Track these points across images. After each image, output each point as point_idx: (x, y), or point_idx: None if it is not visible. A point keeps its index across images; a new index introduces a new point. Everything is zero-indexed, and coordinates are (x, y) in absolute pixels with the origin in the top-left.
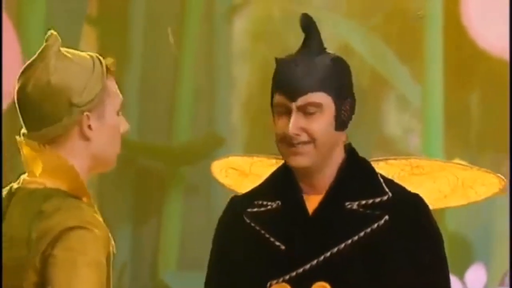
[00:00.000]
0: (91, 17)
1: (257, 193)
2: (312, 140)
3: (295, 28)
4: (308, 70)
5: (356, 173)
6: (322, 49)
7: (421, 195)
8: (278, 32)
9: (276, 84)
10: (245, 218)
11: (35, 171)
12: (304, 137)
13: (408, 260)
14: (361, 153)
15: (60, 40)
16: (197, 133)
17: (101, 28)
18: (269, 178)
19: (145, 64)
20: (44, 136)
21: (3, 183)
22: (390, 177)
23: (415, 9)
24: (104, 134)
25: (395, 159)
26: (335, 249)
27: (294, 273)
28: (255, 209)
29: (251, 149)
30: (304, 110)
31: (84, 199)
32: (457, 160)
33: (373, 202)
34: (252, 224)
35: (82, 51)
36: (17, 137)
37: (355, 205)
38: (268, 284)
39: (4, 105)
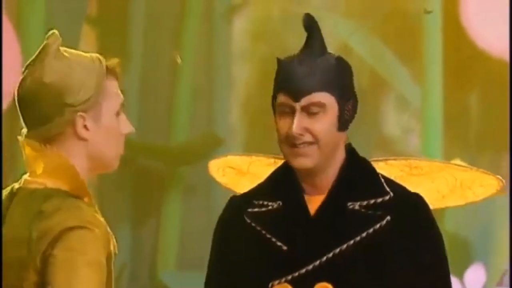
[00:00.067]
0: (90, 17)
1: (257, 193)
2: (316, 141)
3: (295, 28)
4: (312, 70)
5: (357, 173)
6: (324, 50)
7: None
8: (278, 32)
9: (279, 84)
10: (246, 218)
11: (36, 171)
12: (307, 138)
13: (409, 260)
14: (361, 153)
15: (60, 39)
16: (196, 133)
17: (100, 28)
18: (269, 178)
19: (145, 64)
20: (40, 135)
21: (3, 183)
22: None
23: (414, 9)
24: (101, 135)
25: (394, 159)
26: (338, 250)
27: (296, 274)
28: (256, 209)
29: (250, 149)
30: (308, 110)
31: (86, 199)
32: (456, 161)
33: (375, 202)
34: (253, 224)
35: (81, 51)
36: (19, 137)
37: (357, 206)
38: (270, 285)
39: (4, 105)
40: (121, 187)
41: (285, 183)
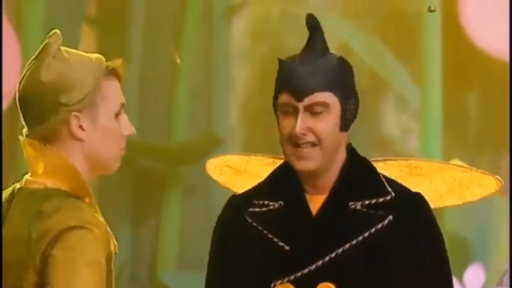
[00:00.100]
0: (90, 17)
1: (258, 193)
2: (318, 141)
3: (294, 28)
4: (315, 70)
5: (359, 173)
6: (326, 50)
7: None
8: (277, 32)
9: (281, 84)
10: (247, 218)
11: (37, 170)
12: (310, 137)
13: (411, 260)
14: (360, 153)
15: (61, 39)
16: (195, 133)
17: (100, 29)
18: (270, 177)
19: (144, 64)
20: (39, 134)
21: (3, 183)
22: None
23: (414, 10)
24: (98, 136)
25: (394, 160)
26: (340, 250)
27: (299, 274)
28: (257, 209)
29: (249, 149)
30: (311, 110)
31: (87, 199)
32: (456, 161)
33: (376, 202)
34: (254, 224)
35: (81, 51)
36: (20, 137)
37: (358, 205)
38: (272, 285)
39: (4, 105)
40: (121, 187)
41: (286, 182)
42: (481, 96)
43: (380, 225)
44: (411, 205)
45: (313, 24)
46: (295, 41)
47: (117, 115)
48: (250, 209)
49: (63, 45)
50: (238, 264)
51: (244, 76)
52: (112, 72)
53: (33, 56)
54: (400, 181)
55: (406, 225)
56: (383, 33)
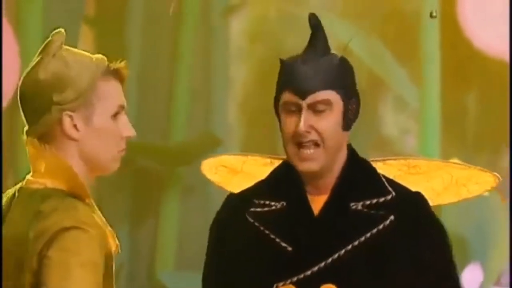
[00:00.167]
0: (88, 17)
1: (258, 192)
2: (321, 140)
3: (292, 29)
4: (317, 68)
5: (359, 173)
6: (327, 50)
7: None
8: (275, 32)
9: (284, 83)
10: (248, 218)
11: (38, 170)
12: (313, 136)
13: (411, 259)
14: (359, 153)
15: (63, 38)
16: (194, 133)
17: (98, 28)
18: (270, 177)
19: (143, 64)
20: (35, 133)
21: (3, 183)
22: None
23: (413, 10)
24: (93, 136)
25: (394, 159)
26: (343, 251)
27: (301, 275)
28: (259, 209)
29: (247, 150)
30: (314, 108)
31: (87, 200)
32: (454, 161)
33: (377, 202)
34: (256, 224)
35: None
36: (24, 136)
37: (359, 206)
38: (275, 286)
39: (4, 105)
40: (119, 187)
41: (287, 183)
42: (479, 96)
43: (381, 226)
44: (411, 204)
45: (315, 24)
46: (294, 41)
47: (115, 116)
48: (252, 209)
49: None
50: (236, 264)
51: (243, 76)
52: (113, 73)
53: (37, 54)
54: (398, 180)
55: (407, 225)
56: (382, 34)
